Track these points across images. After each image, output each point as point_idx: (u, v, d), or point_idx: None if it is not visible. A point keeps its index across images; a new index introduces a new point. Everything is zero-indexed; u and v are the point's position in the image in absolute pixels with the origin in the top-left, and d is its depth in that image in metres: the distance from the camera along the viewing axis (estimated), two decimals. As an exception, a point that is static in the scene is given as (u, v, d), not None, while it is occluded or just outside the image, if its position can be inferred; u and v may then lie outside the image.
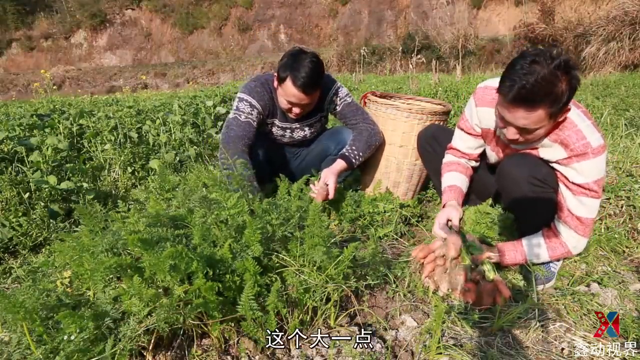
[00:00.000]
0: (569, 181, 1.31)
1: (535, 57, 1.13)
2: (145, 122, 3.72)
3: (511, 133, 1.28)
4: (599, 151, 1.24)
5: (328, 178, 1.82)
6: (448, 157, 1.71)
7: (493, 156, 1.62)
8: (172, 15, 23.86)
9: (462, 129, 1.63)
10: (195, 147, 3.33)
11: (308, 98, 1.82)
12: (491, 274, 1.22)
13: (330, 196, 1.79)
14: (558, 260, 1.47)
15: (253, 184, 1.79)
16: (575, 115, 1.28)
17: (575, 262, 1.58)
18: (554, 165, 1.35)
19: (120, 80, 19.66)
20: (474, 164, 1.68)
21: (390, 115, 2.00)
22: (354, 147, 1.93)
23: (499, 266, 1.44)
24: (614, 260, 1.60)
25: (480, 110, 1.51)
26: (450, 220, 1.42)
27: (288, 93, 1.81)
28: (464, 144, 1.64)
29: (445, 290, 1.20)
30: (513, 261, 1.41)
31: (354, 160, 1.92)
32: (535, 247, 1.40)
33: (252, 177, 1.81)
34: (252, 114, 1.91)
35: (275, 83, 1.90)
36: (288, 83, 1.79)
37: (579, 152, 1.25)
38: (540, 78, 1.10)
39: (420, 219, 2.02)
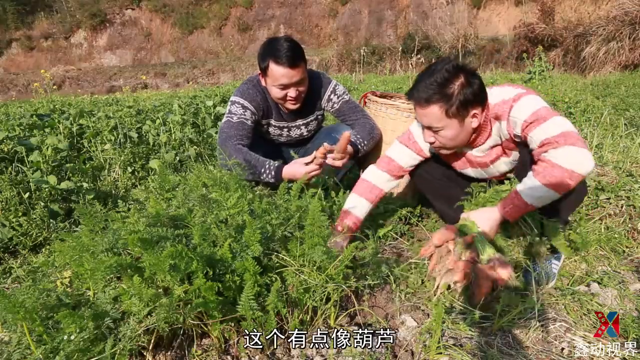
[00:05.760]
0: (526, 123, 1.26)
1: (435, 65, 1.30)
2: (145, 122, 3.72)
3: (427, 135, 1.40)
4: (522, 94, 1.30)
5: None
6: (378, 174, 1.60)
7: (479, 173, 1.60)
8: (172, 15, 23.82)
9: (407, 147, 1.58)
10: (195, 147, 3.33)
11: (297, 73, 1.79)
12: (484, 254, 1.16)
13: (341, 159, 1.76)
14: (563, 185, 1.24)
15: (263, 163, 1.82)
16: (492, 98, 1.36)
17: (575, 262, 1.58)
18: (517, 140, 1.34)
19: (120, 80, 19.64)
20: (393, 182, 1.63)
21: (390, 115, 2.00)
22: (358, 136, 1.94)
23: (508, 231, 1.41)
24: (614, 260, 1.60)
25: None
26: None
27: (276, 76, 1.78)
28: (408, 161, 1.60)
29: (441, 283, 1.18)
30: (516, 210, 1.28)
31: (359, 147, 1.92)
32: (528, 181, 1.26)
33: (255, 160, 1.82)
34: (244, 115, 1.91)
35: (262, 81, 1.89)
36: (272, 66, 1.77)
37: (508, 109, 1.30)
38: (430, 81, 1.27)
39: (420, 219, 2.02)
